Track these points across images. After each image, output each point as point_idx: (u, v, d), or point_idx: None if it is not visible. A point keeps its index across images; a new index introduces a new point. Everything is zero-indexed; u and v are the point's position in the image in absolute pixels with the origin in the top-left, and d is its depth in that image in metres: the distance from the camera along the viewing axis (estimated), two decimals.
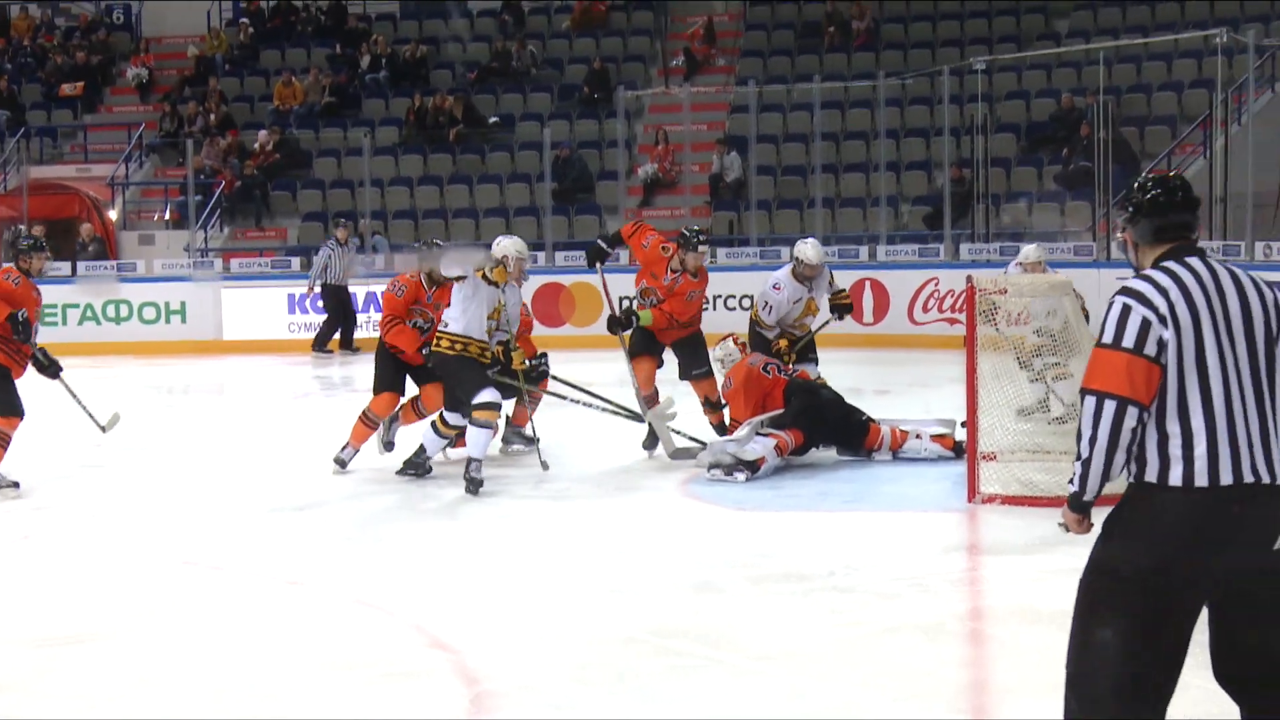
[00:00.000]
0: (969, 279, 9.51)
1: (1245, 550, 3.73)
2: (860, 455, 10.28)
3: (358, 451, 10.37)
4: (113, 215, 23.21)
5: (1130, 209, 3.98)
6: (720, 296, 18.64)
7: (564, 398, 10.66)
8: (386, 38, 26.41)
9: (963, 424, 9.23)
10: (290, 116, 24.96)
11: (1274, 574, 3.78)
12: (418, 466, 9.96)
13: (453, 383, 9.64)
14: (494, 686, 5.65)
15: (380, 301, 12.66)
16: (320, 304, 19.22)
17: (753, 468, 9.58)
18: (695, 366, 10.69)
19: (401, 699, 5.49)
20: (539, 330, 13.28)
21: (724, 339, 10.63)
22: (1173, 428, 3.71)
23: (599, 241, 11.09)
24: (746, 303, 18.60)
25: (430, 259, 10.21)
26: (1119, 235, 4.12)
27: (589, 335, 16.91)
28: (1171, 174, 4.15)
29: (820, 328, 11.52)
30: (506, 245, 9.86)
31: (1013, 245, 17.84)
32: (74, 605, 6.94)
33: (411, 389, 10.48)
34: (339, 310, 18.99)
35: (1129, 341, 3.70)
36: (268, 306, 19.70)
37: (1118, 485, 3.84)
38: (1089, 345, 9.26)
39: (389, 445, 10.51)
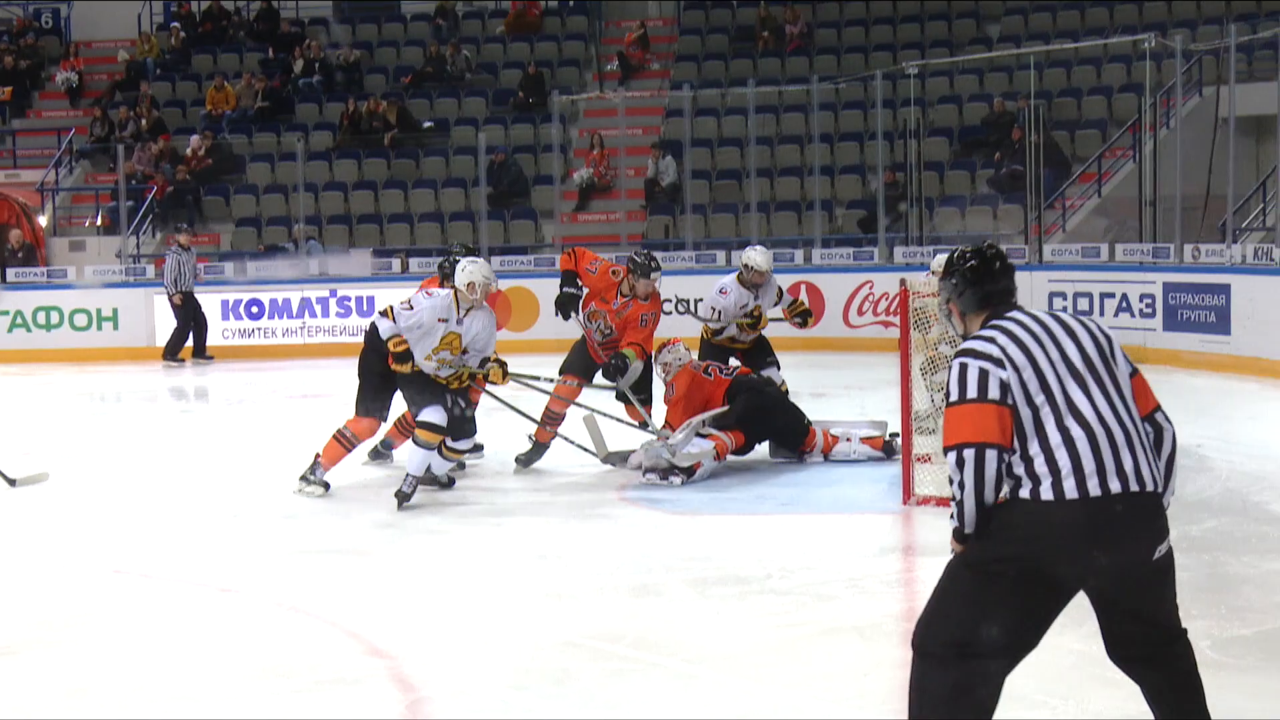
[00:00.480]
0: (902, 282, 9.56)
1: (1120, 554, 3.98)
2: (794, 457, 10.30)
3: (326, 472, 9.81)
4: (43, 221, 22.92)
5: (954, 281, 4.28)
6: None
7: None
8: (319, 43, 26.26)
9: (893, 434, 9.28)
10: (223, 121, 24.76)
11: (1149, 568, 4.06)
12: (439, 483, 9.68)
13: (407, 394, 9.43)
14: (430, 693, 5.62)
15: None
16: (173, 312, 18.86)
17: (689, 472, 9.58)
18: (638, 392, 10.37)
19: (337, 706, 5.45)
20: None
21: (672, 343, 10.48)
22: (1035, 451, 3.96)
23: (564, 290, 10.51)
24: (682, 308, 18.61)
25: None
26: (944, 306, 4.40)
27: (525, 340, 16.87)
28: (986, 244, 4.40)
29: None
30: (473, 271, 9.28)
31: (946, 249, 17.96)
32: (2, 616, 6.85)
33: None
34: (190, 318, 18.78)
35: (973, 393, 3.98)
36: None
37: None
38: None
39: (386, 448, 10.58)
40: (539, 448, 10.47)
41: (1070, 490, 3.93)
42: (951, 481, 4.04)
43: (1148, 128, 18.79)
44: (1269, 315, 14.40)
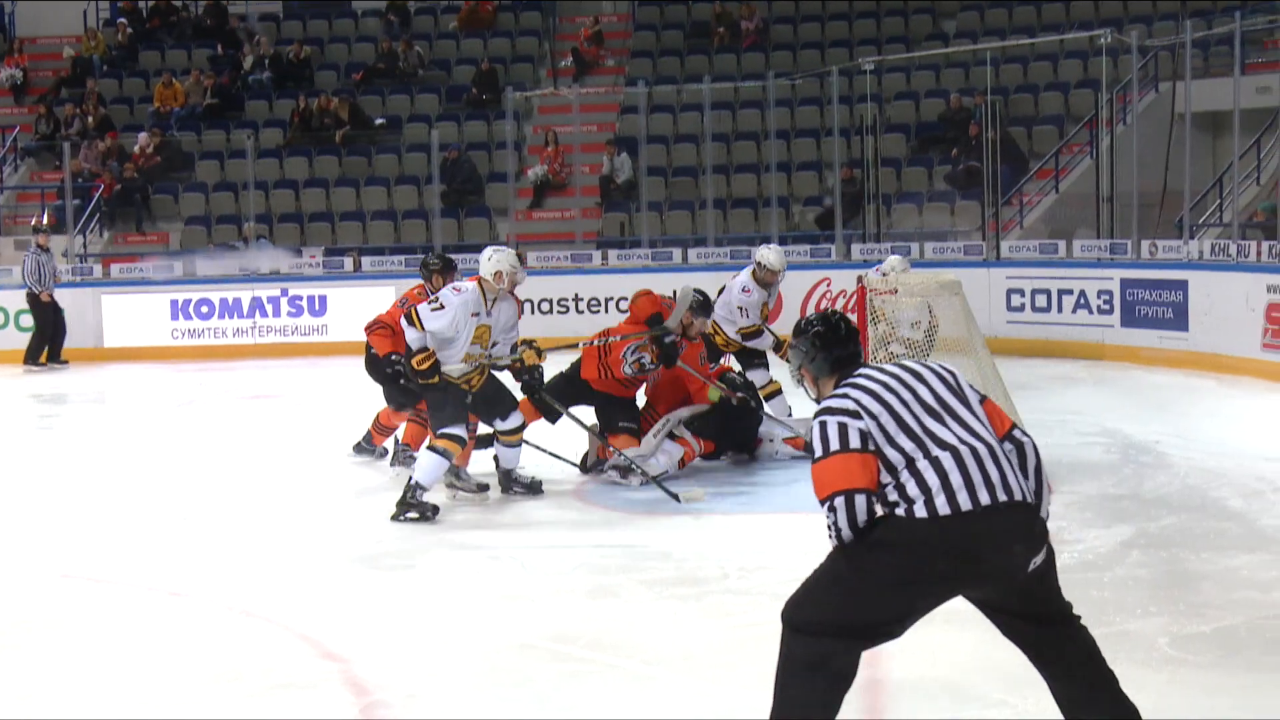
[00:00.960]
0: (860, 279, 9.60)
1: (995, 565, 4.28)
2: (744, 455, 10.34)
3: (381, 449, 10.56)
4: None
5: (804, 348, 4.64)
6: (612, 299, 18.64)
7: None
8: (270, 39, 26.13)
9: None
10: (171, 118, 24.61)
11: (1027, 577, 4.32)
12: (522, 484, 9.44)
13: (430, 403, 9.12)
14: (385, 696, 5.60)
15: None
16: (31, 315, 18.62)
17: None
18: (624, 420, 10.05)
19: (290, 711, 5.42)
20: None
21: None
22: (906, 478, 4.26)
23: (666, 336, 9.86)
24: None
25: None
26: (796, 373, 4.74)
27: None
28: (831, 312, 4.76)
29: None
30: (500, 260, 9.10)
31: (904, 245, 18.03)
32: None
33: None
34: (50, 321, 18.57)
35: (835, 446, 4.29)
36: (150, 313, 19.40)
37: None
38: (980, 344, 9.41)
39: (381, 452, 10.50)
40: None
41: (942, 506, 4.20)
42: (828, 524, 4.35)
43: (1104, 124, 18.92)
44: (1226, 311, 14.51)
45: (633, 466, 9.48)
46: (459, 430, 8.95)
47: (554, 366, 10.06)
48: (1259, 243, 14.95)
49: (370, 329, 10.18)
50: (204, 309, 19.33)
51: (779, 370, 11.08)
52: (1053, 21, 23.25)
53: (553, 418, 9.96)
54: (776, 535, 8.15)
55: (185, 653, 6.18)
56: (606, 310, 18.57)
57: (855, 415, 4.31)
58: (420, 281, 10.42)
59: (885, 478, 4.29)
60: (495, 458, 9.54)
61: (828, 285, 18.33)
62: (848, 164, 20.67)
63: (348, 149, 23.69)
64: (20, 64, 26.45)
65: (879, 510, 4.31)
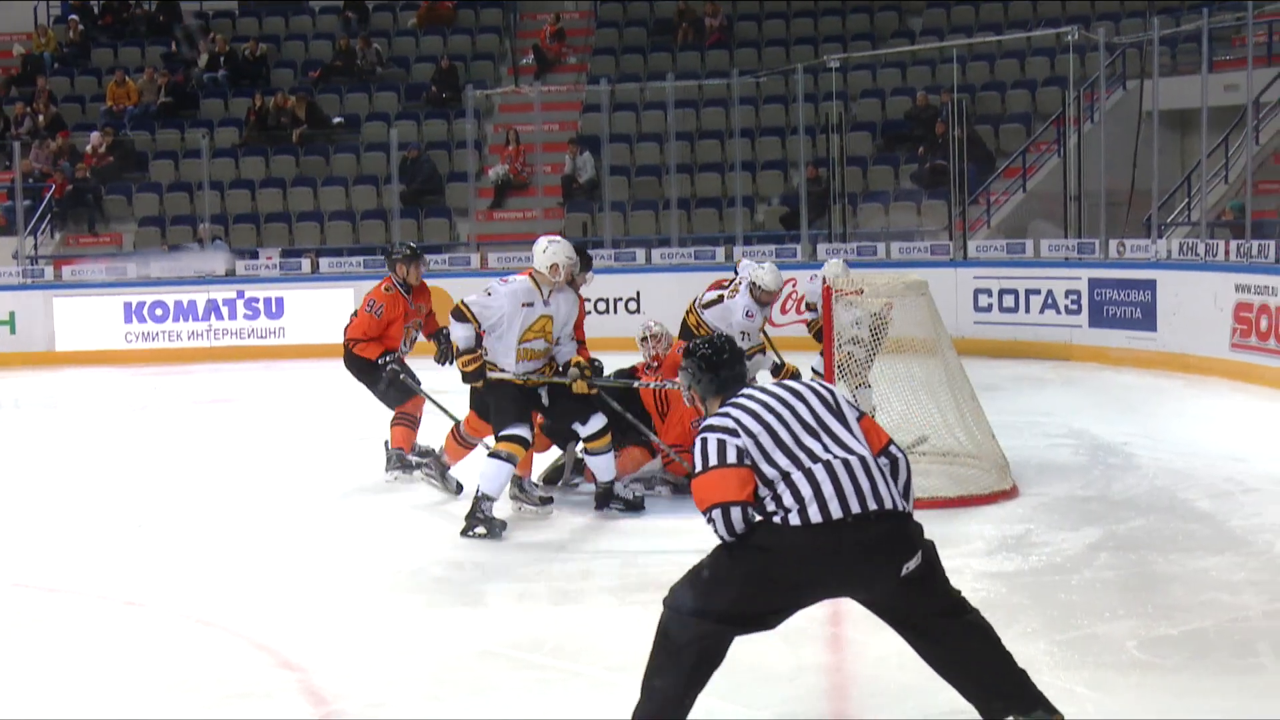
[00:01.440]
0: (824, 280, 9.62)
1: (866, 569, 4.65)
2: None
3: (405, 452, 10.12)
4: None
5: (693, 371, 5.04)
6: None
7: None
8: (225, 36, 26.02)
9: None
10: (124, 117, 24.48)
11: (901, 581, 4.66)
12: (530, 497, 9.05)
13: (494, 405, 8.82)
14: (344, 706, 5.59)
15: None
16: None
17: (632, 505, 9.26)
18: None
19: None
20: None
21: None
22: (783, 490, 4.63)
23: None
24: (602, 306, 18.62)
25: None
26: (687, 392, 5.12)
27: None
28: (718, 336, 5.24)
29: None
30: (555, 251, 8.88)
31: (870, 245, 18.09)
32: None
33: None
34: None
35: (714, 461, 4.68)
36: (103, 315, 19.30)
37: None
38: (947, 345, 9.44)
39: (459, 488, 9.56)
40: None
41: (815, 515, 4.57)
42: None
43: (1071, 121, 19.00)
44: (1195, 311, 14.60)
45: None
46: (522, 431, 8.61)
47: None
48: (1227, 242, 15.05)
49: (351, 344, 10.19)
50: (158, 312, 19.24)
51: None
52: (1019, 19, 23.38)
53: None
54: None
55: (141, 662, 6.16)
56: None
57: (734, 433, 4.69)
58: (386, 277, 10.44)
59: (764, 490, 4.66)
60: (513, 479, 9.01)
61: (793, 286, 18.34)
62: (813, 163, 20.71)
63: (305, 148, 23.61)
64: None
65: (758, 517, 4.67)
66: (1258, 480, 9.31)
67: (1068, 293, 16.22)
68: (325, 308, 18.77)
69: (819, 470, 4.62)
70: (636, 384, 9.55)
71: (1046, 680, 5.54)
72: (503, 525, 8.41)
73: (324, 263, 19.72)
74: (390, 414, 10.28)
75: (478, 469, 8.63)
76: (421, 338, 10.62)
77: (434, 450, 10.55)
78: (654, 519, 8.78)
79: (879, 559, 4.63)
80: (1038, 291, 16.51)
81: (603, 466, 8.91)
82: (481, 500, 8.42)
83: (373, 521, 9.08)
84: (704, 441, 4.73)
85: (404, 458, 10.20)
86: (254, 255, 20.76)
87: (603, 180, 21.22)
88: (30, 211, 21.91)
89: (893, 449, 4.87)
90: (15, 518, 9.44)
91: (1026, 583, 7.07)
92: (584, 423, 8.84)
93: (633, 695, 5.36)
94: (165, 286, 19.42)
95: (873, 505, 4.61)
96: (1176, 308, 15.01)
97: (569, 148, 22.54)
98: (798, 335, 17.66)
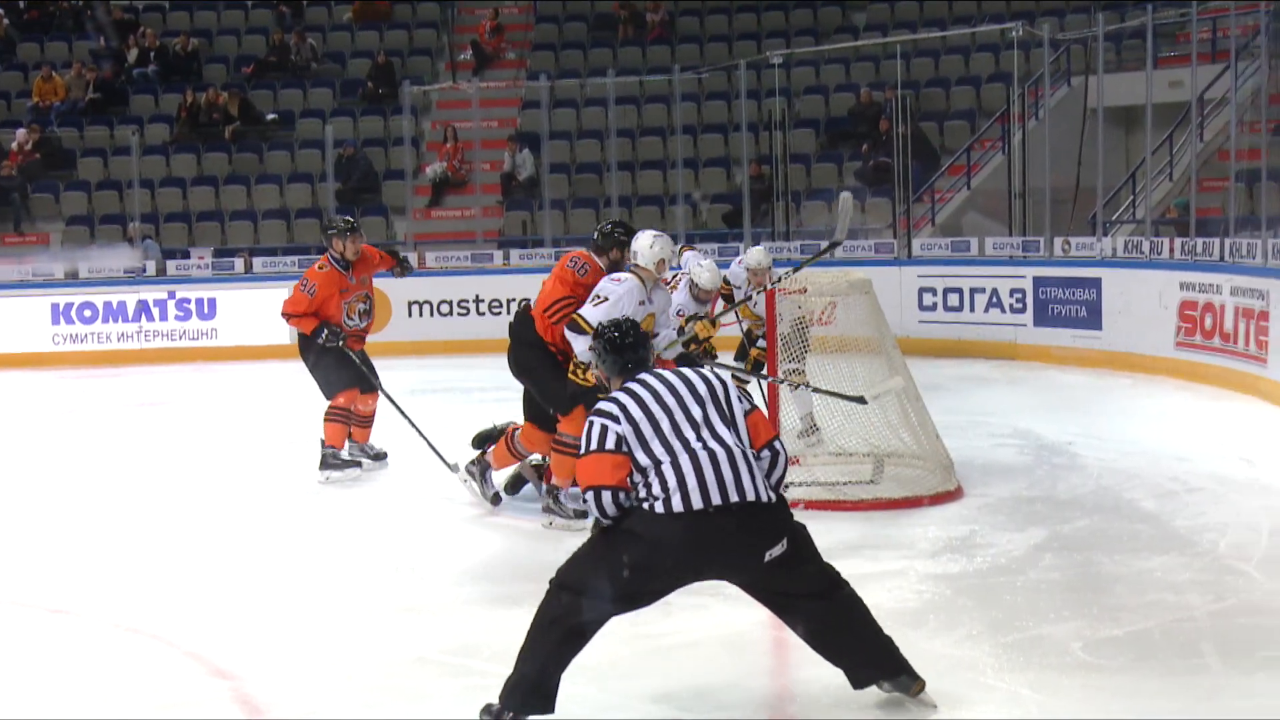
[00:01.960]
0: (746, 266, 9.64)
1: (729, 555, 5.08)
2: None
3: (338, 451, 10.18)
4: None
5: (599, 351, 5.50)
6: (514, 300, 18.60)
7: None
8: (155, 30, 25.83)
9: None
10: (51, 114, 24.23)
11: (766, 565, 5.10)
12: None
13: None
14: (277, 715, 5.56)
15: None
16: None
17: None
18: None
19: None
20: None
21: None
22: (653, 478, 5.05)
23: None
24: None
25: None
26: (596, 370, 5.62)
27: (378, 342, 16.67)
28: (623, 320, 5.64)
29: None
30: (662, 247, 8.56)
31: (813, 243, 18.13)
32: None
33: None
34: None
35: (594, 445, 5.13)
36: (29, 317, 19.11)
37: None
38: (891, 344, 9.48)
39: (496, 499, 9.31)
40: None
41: (678, 504, 5.00)
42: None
43: (1016, 118, 19.12)
44: (1140, 309, 14.71)
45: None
46: None
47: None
48: (1172, 240, 15.18)
49: (286, 318, 10.26)
50: (87, 313, 19.07)
51: None
52: (964, 14, 23.48)
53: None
54: None
55: (66, 672, 6.10)
56: (508, 311, 18.52)
57: (616, 419, 5.13)
58: (324, 254, 10.47)
59: (638, 476, 5.09)
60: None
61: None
62: (756, 160, 20.76)
63: (238, 145, 23.46)
64: None
65: (633, 502, 5.11)
66: (1202, 480, 9.39)
67: (1012, 291, 16.32)
68: (259, 309, 18.64)
69: (686, 461, 5.04)
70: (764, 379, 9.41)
71: (990, 683, 5.59)
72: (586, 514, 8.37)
73: (257, 262, 19.60)
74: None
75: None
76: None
77: (384, 452, 10.58)
78: (591, 520, 8.74)
79: (741, 546, 5.07)
80: (982, 290, 16.60)
81: None
82: (557, 493, 8.52)
83: (306, 526, 9.03)
84: (590, 424, 5.18)
85: (337, 455, 10.17)
86: (186, 255, 20.61)
87: (542, 178, 21.19)
88: None
89: (776, 444, 5.29)
90: None
91: (971, 584, 7.10)
92: None
93: (573, 703, 5.36)
94: (94, 287, 19.23)
95: (734, 497, 5.02)
96: (1121, 306, 15.12)
97: (508, 145, 22.50)
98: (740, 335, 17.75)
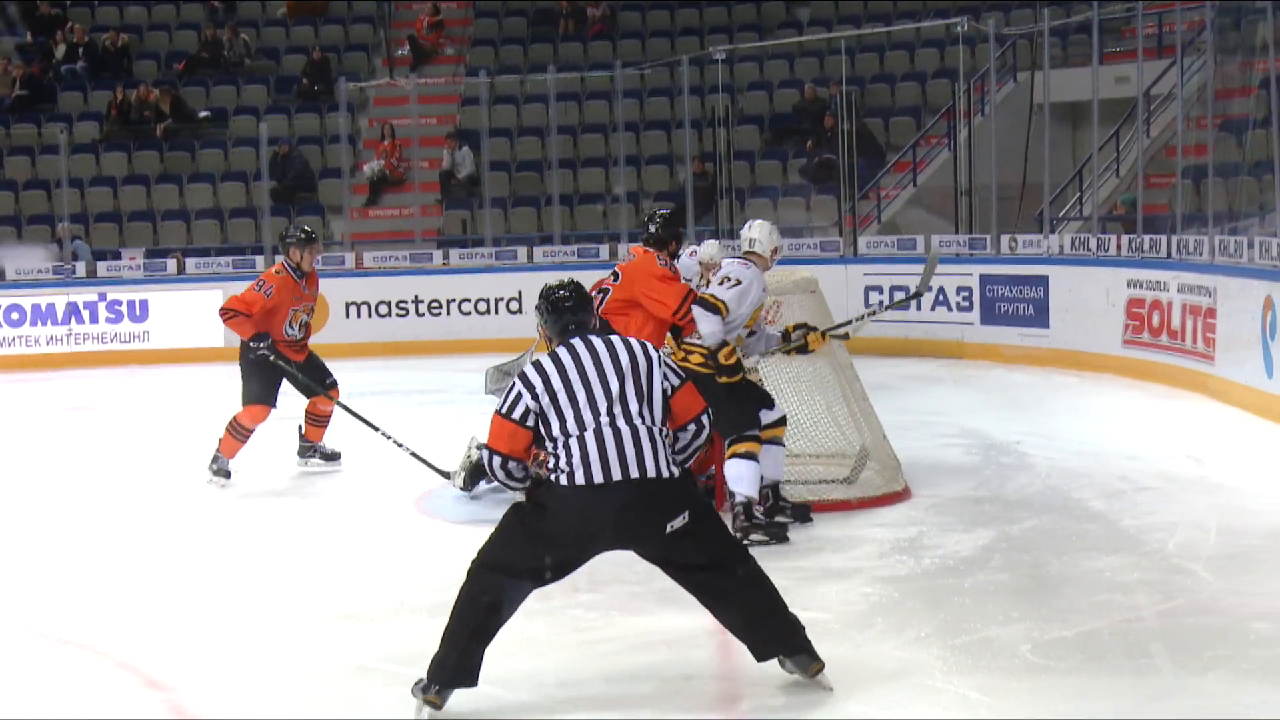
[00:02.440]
0: (700, 259, 9.64)
1: (629, 528, 5.39)
2: None
3: (230, 462, 10.28)
4: None
5: (543, 311, 5.68)
6: (454, 301, 18.58)
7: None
8: (84, 25, 25.61)
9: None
10: None
11: (667, 537, 5.39)
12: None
13: (721, 410, 7.92)
14: None
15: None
16: None
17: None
18: None
19: None
20: None
21: None
22: (560, 450, 5.38)
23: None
24: (483, 306, 18.58)
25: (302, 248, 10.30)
26: (539, 329, 5.78)
27: (317, 344, 16.59)
28: (568, 282, 5.76)
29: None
30: (775, 232, 8.64)
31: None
32: None
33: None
34: None
35: (504, 409, 5.49)
36: None
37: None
38: (838, 343, 9.49)
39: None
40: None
41: (580, 479, 5.31)
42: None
43: (962, 115, 19.22)
44: (1088, 307, 14.82)
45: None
46: (756, 428, 8.22)
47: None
48: (1119, 236, 15.30)
49: (226, 315, 10.28)
50: (14, 315, 18.89)
51: None
52: (909, 10, 23.59)
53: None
54: None
55: None
56: (449, 312, 18.50)
57: (533, 392, 5.43)
58: (279, 261, 10.57)
59: (550, 446, 5.42)
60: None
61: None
62: (699, 157, 20.80)
63: (170, 143, 23.30)
64: None
65: (534, 471, 5.53)
66: (1150, 479, 9.47)
67: (959, 289, 16.40)
68: (192, 310, 18.56)
69: (590, 437, 5.34)
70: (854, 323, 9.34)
71: (939, 686, 5.61)
72: (784, 529, 8.14)
73: (190, 263, 19.46)
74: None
75: (734, 472, 8.14)
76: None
77: (338, 453, 10.57)
78: None
79: (640, 520, 5.37)
80: (929, 288, 16.65)
81: (775, 461, 8.42)
82: (748, 507, 8.10)
83: (242, 532, 8.99)
84: (512, 386, 5.53)
85: (222, 465, 10.30)
86: (116, 256, 20.48)
87: (482, 176, 21.15)
88: None
89: (703, 418, 5.63)
90: None
91: (919, 586, 7.13)
92: (770, 407, 8.50)
93: (518, 709, 5.36)
94: (22, 289, 19.08)
95: (634, 473, 5.32)
96: (1069, 304, 15.23)
97: (447, 142, 22.45)
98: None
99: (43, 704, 5.77)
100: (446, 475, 9.73)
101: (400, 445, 9.99)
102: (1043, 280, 15.56)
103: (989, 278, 16.17)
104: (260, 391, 10.35)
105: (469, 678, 5.42)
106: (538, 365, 5.50)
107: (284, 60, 25.27)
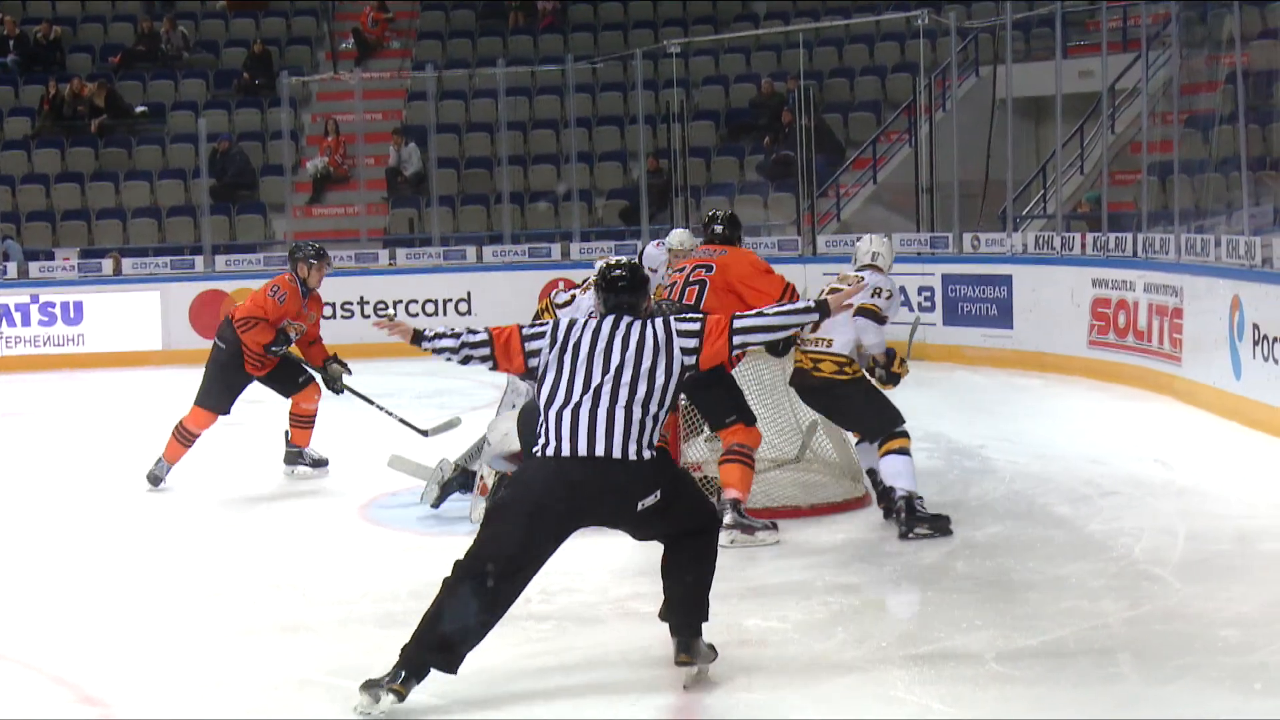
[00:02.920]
0: (668, 277, 9.64)
1: (594, 503, 5.63)
2: None
3: (171, 468, 10.32)
4: None
5: (596, 286, 6.01)
6: (400, 302, 18.52)
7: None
8: (15, 17, 25.42)
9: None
10: None
11: (637, 515, 5.65)
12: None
13: (866, 413, 8.76)
14: None
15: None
16: None
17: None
18: None
19: None
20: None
21: None
22: (542, 427, 5.68)
23: None
24: (431, 308, 18.54)
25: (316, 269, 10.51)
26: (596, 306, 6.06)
27: None
28: (625, 262, 6.07)
29: None
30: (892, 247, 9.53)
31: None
32: None
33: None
34: None
35: (527, 330, 5.93)
36: None
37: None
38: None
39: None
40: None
41: (550, 451, 5.60)
42: None
43: (923, 110, 19.30)
44: (1052, 307, 14.89)
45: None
46: (902, 423, 8.64)
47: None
48: (1083, 234, 15.37)
49: (245, 326, 10.27)
50: None
51: None
52: (868, 2, 23.66)
53: None
54: (584, 555, 8.08)
55: None
56: (395, 314, 18.43)
57: (552, 337, 5.81)
58: (286, 272, 10.68)
59: (541, 414, 5.71)
60: None
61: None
62: (653, 154, 20.80)
63: (105, 140, 23.18)
64: None
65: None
66: (1116, 483, 9.52)
67: (920, 289, 16.44)
68: (129, 313, 18.48)
69: (568, 412, 5.63)
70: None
71: (901, 697, 5.63)
72: (946, 520, 8.32)
73: (127, 264, 19.36)
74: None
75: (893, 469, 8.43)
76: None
77: (325, 459, 10.56)
78: None
79: (599, 498, 5.62)
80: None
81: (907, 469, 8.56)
82: (911, 499, 8.29)
83: (180, 542, 8.93)
84: (548, 321, 6.00)
85: (160, 474, 10.32)
86: (49, 256, 20.35)
87: (430, 173, 21.11)
88: None
89: (735, 322, 5.84)
90: None
91: (880, 595, 7.15)
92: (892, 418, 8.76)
93: None
94: None
95: (599, 452, 5.56)
96: (1032, 304, 15.30)
97: (393, 138, 22.39)
98: None
99: None
100: (425, 433, 10.27)
101: (389, 414, 10.59)
102: (1006, 280, 15.63)
103: (951, 277, 16.23)
104: (216, 399, 10.39)
105: (453, 664, 5.56)
106: (571, 323, 5.85)
107: (224, 53, 25.17)
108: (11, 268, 19.43)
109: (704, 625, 5.83)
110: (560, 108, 22.47)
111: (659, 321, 5.84)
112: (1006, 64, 17.31)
